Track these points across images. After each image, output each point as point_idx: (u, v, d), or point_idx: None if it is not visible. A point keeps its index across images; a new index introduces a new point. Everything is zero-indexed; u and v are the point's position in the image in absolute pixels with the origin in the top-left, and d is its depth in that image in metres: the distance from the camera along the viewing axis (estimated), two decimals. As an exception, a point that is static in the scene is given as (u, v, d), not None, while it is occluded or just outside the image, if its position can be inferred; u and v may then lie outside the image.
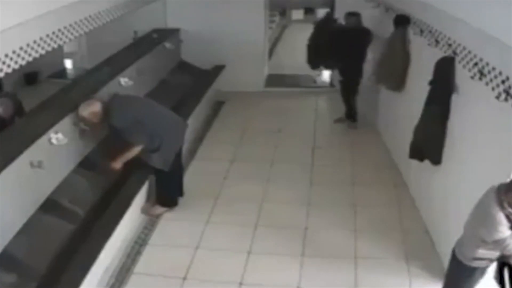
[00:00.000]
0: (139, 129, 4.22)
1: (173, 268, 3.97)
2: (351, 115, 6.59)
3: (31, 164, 3.65)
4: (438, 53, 4.13)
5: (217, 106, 7.38)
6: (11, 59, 3.51)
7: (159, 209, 4.65)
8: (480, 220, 2.86)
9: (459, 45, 3.79)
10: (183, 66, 7.44)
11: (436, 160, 4.11)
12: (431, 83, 4.09)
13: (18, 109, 4.74)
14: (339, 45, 6.24)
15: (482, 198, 2.86)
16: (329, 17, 7.16)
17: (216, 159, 5.80)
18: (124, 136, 4.23)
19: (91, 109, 4.20)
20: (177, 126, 4.65)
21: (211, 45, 7.48)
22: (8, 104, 4.60)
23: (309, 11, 13.71)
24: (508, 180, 2.82)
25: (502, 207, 2.71)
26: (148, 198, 4.72)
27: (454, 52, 3.86)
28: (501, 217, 2.71)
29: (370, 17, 6.42)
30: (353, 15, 6.36)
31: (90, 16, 4.75)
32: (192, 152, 5.86)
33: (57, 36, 4.16)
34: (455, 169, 3.89)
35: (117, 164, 4.30)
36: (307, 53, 6.97)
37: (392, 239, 4.28)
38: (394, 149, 5.64)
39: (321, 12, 13.21)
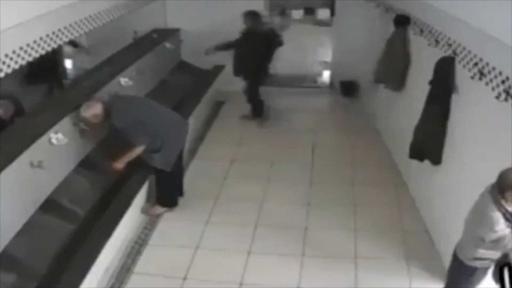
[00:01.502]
0: (140, 129, 4.21)
1: (173, 268, 3.97)
2: (259, 113, 6.70)
3: (31, 164, 3.65)
4: (438, 53, 4.13)
5: (217, 106, 7.38)
6: (11, 59, 3.52)
7: (159, 209, 4.65)
8: (477, 220, 2.87)
9: (459, 45, 3.80)
10: (183, 66, 7.44)
11: (436, 160, 4.12)
12: (431, 83, 4.09)
13: (18, 109, 4.73)
14: (240, 48, 6.38)
15: (478, 199, 2.87)
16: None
17: (216, 159, 5.80)
18: (125, 136, 4.22)
19: (93, 110, 4.19)
20: (179, 126, 4.65)
21: (211, 45, 7.46)
22: (8, 105, 4.59)
23: (309, 11, 13.68)
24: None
25: (499, 206, 2.71)
26: (148, 198, 4.72)
27: (454, 52, 3.86)
28: (498, 216, 2.71)
29: (370, 17, 6.43)
30: (249, 15, 6.35)
31: (90, 16, 4.76)
32: (192, 152, 5.86)
33: (57, 36, 4.16)
34: (455, 169, 3.89)
35: (119, 164, 4.29)
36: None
37: (392, 239, 4.29)
38: (394, 149, 5.64)
39: (321, 12, 13.25)
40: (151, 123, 4.29)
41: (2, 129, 4.07)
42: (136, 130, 4.19)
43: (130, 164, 4.36)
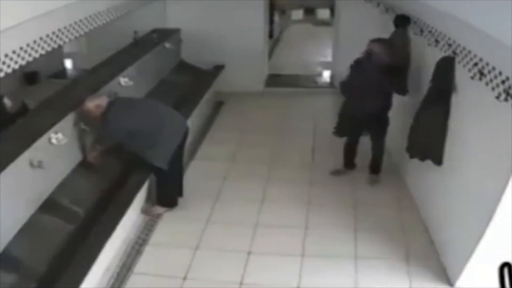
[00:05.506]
0: (127, 138, 4.29)
1: (173, 268, 3.97)
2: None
3: (31, 164, 3.65)
4: (438, 53, 4.13)
5: (217, 106, 7.38)
6: (11, 59, 3.52)
7: (159, 209, 4.65)
8: None
9: (459, 45, 3.80)
10: (183, 66, 7.44)
11: (437, 160, 4.12)
12: (432, 82, 4.10)
13: (22, 108, 4.73)
14: None
15: None
16: None
17: (216, 159, 5.80)
18: (112, 137, 4.31)
19: (97, 101, 4.23)
20: (175, 123, 4.57)
21: (211, 45, 7.48)
22: (16, 100, 4.60)
23: (308, 11, 13.71)
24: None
25: None
26: (148, 198, 4.72)
27: (454, 52, 3.87)
28: None
29: (370, 17, 6.43)
30: None
31: (90, 16, 4.76)
32: (192, 152, 5.86)
33: (57, 36, 4.16)
34: (455, 169, 3.89)
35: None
36: None
37: (392, 239, 4.28)
38: (394, 150, 5.64)
39: (321, 12, 13.28)
40: (144, 127, 4.31)
41: (7, 125, 4.08)
42: (123, 138, 4.28)
43: (129, 164, 4.36)
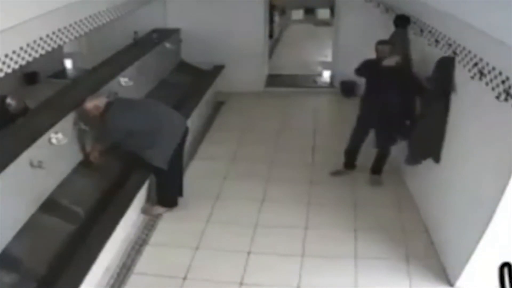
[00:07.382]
0: (124, 138, 4.29)
1: (173, 268, 3.97)
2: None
3: (31, 164, 3.65)
4: (438, 53, 4.13)
5: (217, 106, 7.38)
6: (11, 59, 3.52)
7: (159, 209, 4.65)
8: None
9: (459, 45, 3.80)
10: (183, 66, 7.44)
11: (436, 157, 4.12)
12: (431, 81, 4.10)
13: (23, 108, 4.73)
14: None
15: None
16: None
17: (216, 159, 5.80)
18: (111, 136, 4.32)
19: (96, 101, 4.25)
20: (174, 123, 4.57)
21: (211, 45, 7.49)
22: (19, 99, 4.61)
23: (308, 11, 13.72)
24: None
25: None
26: (148, 198, 4.72)
27: (454, 52, 3.87)
28: None
29: (370, 17, 6.43)
30: None
31: (90, 16, 4.76)
32: (192, 152, 5.86)
33: (57, 36, 4.16)
34: (456, 169, 3.89)
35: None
36: None
37: (392, 239, 4.28)
38: (394, 150, 5.64)
39: (321, 12, 13.28)
40: (144, 127, 4.31)
41: (9, 124, 4.08)
42: (123, 138, 4.28)
43: (129, 164, 4.36)
